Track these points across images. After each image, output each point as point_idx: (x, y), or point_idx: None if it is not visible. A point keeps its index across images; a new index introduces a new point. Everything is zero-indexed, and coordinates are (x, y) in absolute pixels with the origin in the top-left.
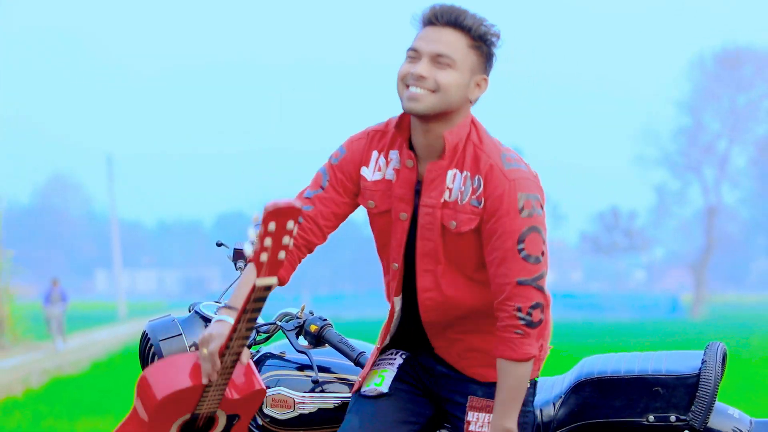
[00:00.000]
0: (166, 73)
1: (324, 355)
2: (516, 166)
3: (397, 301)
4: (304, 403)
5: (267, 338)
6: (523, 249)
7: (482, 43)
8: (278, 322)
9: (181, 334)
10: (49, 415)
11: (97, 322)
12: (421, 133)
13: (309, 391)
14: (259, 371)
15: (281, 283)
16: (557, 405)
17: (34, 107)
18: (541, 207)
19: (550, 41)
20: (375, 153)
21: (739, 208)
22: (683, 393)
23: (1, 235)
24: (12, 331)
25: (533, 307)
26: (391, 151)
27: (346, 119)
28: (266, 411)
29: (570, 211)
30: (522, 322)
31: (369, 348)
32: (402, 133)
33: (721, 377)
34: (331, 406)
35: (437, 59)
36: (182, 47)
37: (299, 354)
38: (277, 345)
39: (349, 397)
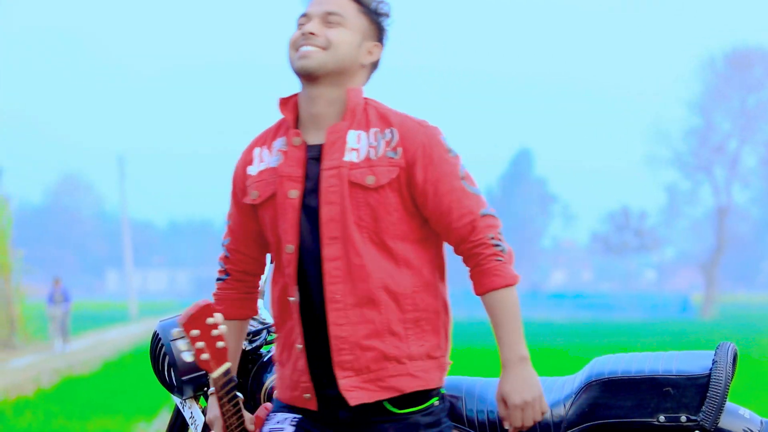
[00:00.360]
0: (166, 73)
1: None
2: (420, 118)
3: (295, 292)
4: None
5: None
6: (468, 184)
7: (372, 12)
8: None
9: None
10: (60, 414)
11: (108, 322)
12: (311, 102)
13: None
14: (270, 371)
15: (252, 314)
16: (567, 405)
17: (39, 108)
18: None
19: (562, 43)
20: (257, 149)
21: (750, 208)
22: (694, 393)
23: (12, 234)
24: (23, 330)
25: (500, 232)
26: (274, 142)
27: None
28: None
29: (580, 211)
30: (499, 249)
31: None
32: (288, 113)
33: (732, 377)
34: None
35: (327, 18)
36: (182, 47)
37: None
38: None
39: None
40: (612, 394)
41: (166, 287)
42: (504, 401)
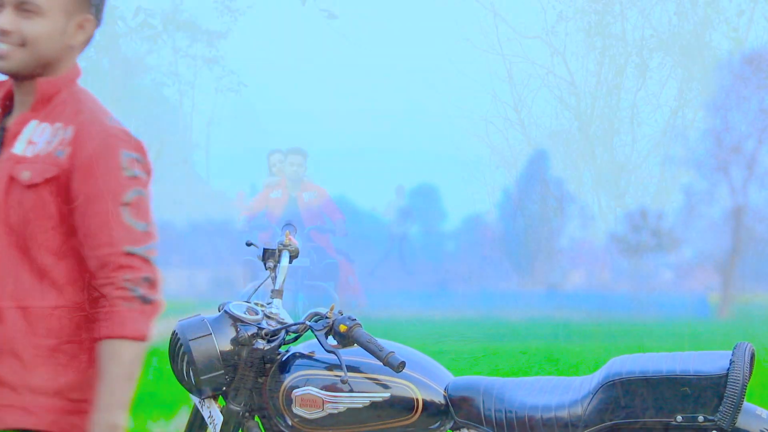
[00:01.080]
0: None
1: (353, 354)
2: (120, 125)
3: None
4: (333, 402)
5: (296, 338)
6: (128, 214)
7: None
8: (307, 322)
9: (211, 333)
10: None
11: None
12: (16, 88)
13: (338, 391)
14: (288, 371)
15: None
16: (585, 405)
17: None
18: (145, 172)
19: (578, 43)
20: None
21: (767, 209)
22: (711, 393)
23: None
24: None
25: (145, 280)
26: None
27: (347, 118)
28: (295, 410)
29: (597, 211)
30: (132, 294)
31: (398, 348)
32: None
33: (749, 377)
34: (360, 405)
35: (21, 7)
36: None
37: (328, 354)
38: (307, 345)
39: (378, 397)
40: (629, 393)
41: (186, 287)
42: None
